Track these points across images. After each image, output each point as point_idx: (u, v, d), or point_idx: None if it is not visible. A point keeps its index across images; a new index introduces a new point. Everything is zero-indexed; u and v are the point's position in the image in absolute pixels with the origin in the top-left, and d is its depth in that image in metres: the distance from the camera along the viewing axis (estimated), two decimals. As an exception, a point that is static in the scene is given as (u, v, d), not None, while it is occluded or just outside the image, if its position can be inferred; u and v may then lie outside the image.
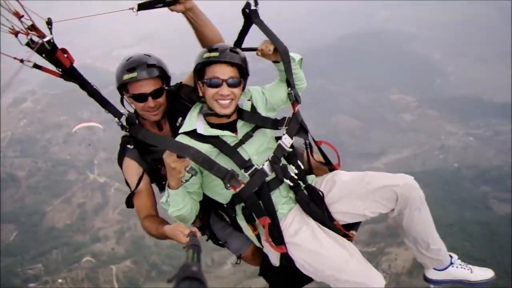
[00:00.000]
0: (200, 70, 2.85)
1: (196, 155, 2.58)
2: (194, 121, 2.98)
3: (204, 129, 2.92)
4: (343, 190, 3.02)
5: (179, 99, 3.35)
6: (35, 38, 1.97)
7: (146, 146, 3.10)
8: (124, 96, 3.18)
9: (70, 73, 2.28)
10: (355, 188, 2.99)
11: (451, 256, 3.26)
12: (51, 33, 2.05)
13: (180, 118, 3.24)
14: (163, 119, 3.31)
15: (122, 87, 3.11)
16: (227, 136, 2.93)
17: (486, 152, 74.98)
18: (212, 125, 2.96)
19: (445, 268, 3.20)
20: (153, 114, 3.16)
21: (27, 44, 1.98)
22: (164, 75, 3.18)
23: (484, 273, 3.21)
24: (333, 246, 2.81)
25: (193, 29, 3.16)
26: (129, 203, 3.23)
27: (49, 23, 2.06)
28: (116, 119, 2.63)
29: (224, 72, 2.79)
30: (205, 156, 2.63)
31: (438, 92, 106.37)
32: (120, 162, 3.31)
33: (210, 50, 2.81)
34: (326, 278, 2.79)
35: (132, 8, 2.63)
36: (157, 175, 3.32)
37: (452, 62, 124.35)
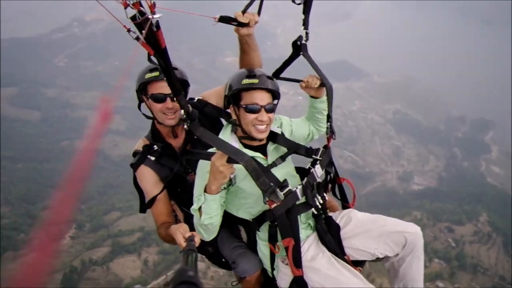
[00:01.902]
0: (236, 94, 2.87)
1: (249, 163, 2.62)
2: (227, 138, 2.97)
3: (238, 147, 2.89)
4: (358, 227, 3.08)
5: (202, 115, 3.26)
6: (139, 16, 2.07)
7: (184, 146, 3.16)
8: (143, 99, 3.20)
9: (162, 54, 2.29)
10: (370, 228, 3.07)
11: None
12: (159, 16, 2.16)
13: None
14: (179, 127, 3.30)
15: (142, 89, 3.16)
16: (259, 158, 2.95)
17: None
18: (244, 146, 2.99)
19: None
20: (170, 118, 3.16)
21: (132, 17, 2.06)
22: (183, 80, 3.23)
23: None
24: (350, 275, 2.88)
25: (242, 52, 3.26)
26: (143, 208, 3.31)
27: (153, 6, 2.14)
28: (182, 111, 2.61)
29: (263, 98, 2.85)
30: (256, 166, 2.67)
31: (269, 54, 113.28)
32: (136, 168, 3.27)
33: (249, 76, 2.86)
34: None
35: (215, 18, 2.79)
36: (176, 182, 3.29)
37: (280, 24, 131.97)
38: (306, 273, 2.91)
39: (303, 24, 3.11)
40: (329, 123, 3.19)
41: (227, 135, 3.03)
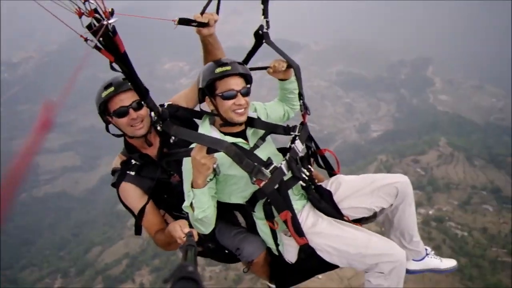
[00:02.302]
0: (210, 85, 2.94)
1: (230, 148, 2.68)
2: (208, 129, 3.06)
3: (219, 136, 3.00)
4: (349, 188, 3.23)
5: (176, 119, 3.23)
6: (95, 23, 2.09)
7: (160, 150, 3.17)
8: (108, 120, 3.14)
9: (122, 59, 2.32)
10: (361, 186, 3.21)
11: (426, 249, 3.57)
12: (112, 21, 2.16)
13: (172, 137, 3.28)
14: (151, 135, 3.26)
15: (104, 109, 3.09)
16: (241, 143, 3.02)
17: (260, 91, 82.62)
18: (225, 134, 3.05)
19: (422, 259, 3.53)
20: (138, 128, 3.12)
21: (88, 26, 2.07)
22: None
23: (450, 263, 3.59)
24: (353, 230, 3.03)
25: (206, 52, 3.27)
26: (138, 228, 3.22)
27: (111, 13, 2.15)
28: (152, 113, 2.69)
29: (237, 83, 2.92)
30: (237, 150, 2.72)
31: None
32: (117, 187, 3.23)
33: (221, 65, 2.93)
34: (352, 258, 3.00)
35: (174, 20, 2.77)
36: (160, 189, 3.26)
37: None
38: (310, 239, 3.02)
39: (263, 13, 3.17)
40: (301, 101, 3.26)
41: (206, 127, 3.10)
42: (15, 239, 67.64)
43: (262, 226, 3.18)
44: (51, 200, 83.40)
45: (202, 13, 3.02)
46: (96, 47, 2.17)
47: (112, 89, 3.01)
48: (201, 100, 3.07)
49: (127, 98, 3.06)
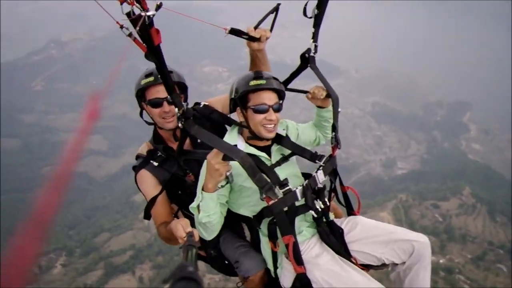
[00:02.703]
0: (243, 96, 2.94)
1: (245, 159, 2.59)
2: (234, 138, 3.08)
3: (244, 146, 3.03)
4: (364, 232, 3.11)
5: (205, 119, 3.41)
6: (137, 11, 2.10)
7: (182, 146, 3.06)
8: (143, 106, 3.26)
9: (154, 52, 2.31)
10: (377, 233, 3.10)
11: None
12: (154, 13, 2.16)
13: None
14: (180, 129, 3.15)
15: (141, 95, 3.22)
16: (263, 158, 3.02)
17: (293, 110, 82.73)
18: (250, 146, 3.06)
19: None
20: (168, 121, 3.21)
21: (128, 14, 2.07)
22: (180, 82, 3.28)
23: None
24: (355, 272, 2.89)
25: (252, 65, 3.36)
26: (148, 214, 3.31)
27: (159, 6, 2.19)
28: (176, 109, 2.61)
29: (270, 98, 2.91)
30: (252, 163, 2.63)
31: (247, 61, 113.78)
32: (136, 174, 3.35)
33: (256, 77, 2.93)
34: None
35: (226, 29, 2.84)
36: (176, 184, 3.33)
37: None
38: (309, 270, 2.93)
39: (313, 37, 3.16)
40: (334, 133, 3.19)
41: (233, 135, 3.11)
42: (29, 210, 69.47)
43: (265, 245, 3.14)
44: (72, 177, 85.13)
45: (256, 27, 3.08)
46: (130, 35, 2.23)
47: (151, 78, 3.12)
48: (231, 110, 3.10)
49: (164, 91, 3.01)
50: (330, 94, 3.12)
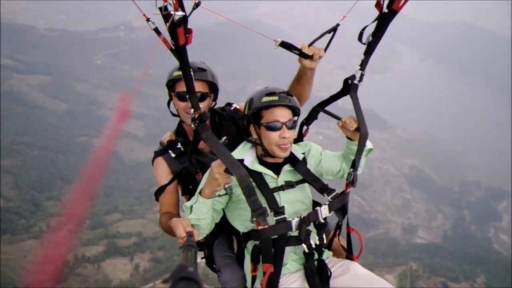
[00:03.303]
0: (256, 113, 2.86)
1: (243, 178, 2.55)
2: (245, 152, 3.01)
3: (250, 162, 2.95)
4: (352, 282, 2.91)
5: (232, 121, 3.42)
6: (170, 9, 2.15)
7: (197, 146, 3.09)
8: (172, 96, 3.32)
9: (179, 51, 2.35)
10: None
11: None
12: (188, 13, 2.21)
13: (224, 137, 3.30)
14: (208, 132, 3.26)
15: (171, 86, 3.28)
16: (268, 176, 2.94)
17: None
18: (262, 162, 2.99)
19: None
20: (189, 117, 3.09)
21: (160, 8, 2.13)
22: (212, 83, 3.30)
23: None
24: None
25: (297, 81, 3.30)
26: (156, 198, 3.43)
27: (197, 5, 2.25)
28: (192, 110, 2.63)
29: (284, 115, 2.83)
30: (250, 183, 2.60)
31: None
32: (154, 159, 3.45)
33: (268, 94, 2.84)
34: None
35: (276, 41, 2.80)
36: (188, 178, 3.37)
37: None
38: None
39: (361, 65, 3.01)
40: (352, 169, 3.01)
41: (246, 148, 3.04)
42: (56, 170, 72.24)
43: (247, 264, 3.06)
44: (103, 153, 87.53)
45: (310, 45, 3.02)
46: (155, 30, 2.30)
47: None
48: (245, 127, 3.02)
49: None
50: (360, 128, 2.95)
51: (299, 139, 3.41)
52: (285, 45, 2.90)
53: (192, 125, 2.68)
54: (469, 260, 72.84)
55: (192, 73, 2.58)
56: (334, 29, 3.03)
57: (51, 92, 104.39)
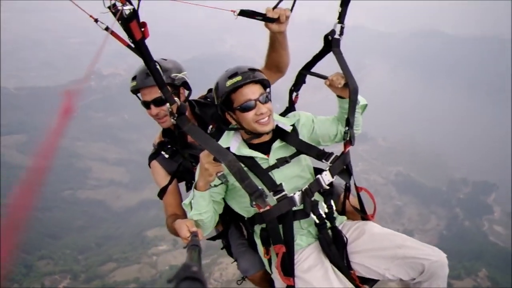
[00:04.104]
0: (226, 99, 2.76)
1: (232, 163, 2.48)
2: (229, 139, 2.92)
3: (236, 148, 2.87)
4: (370, 243, 2.86)
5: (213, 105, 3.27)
6: (118, 4, 2.08)
7: (185, 141, 3.12)
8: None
9: (137, 46, 2.26)
10: (383, 246, 2.82)
11: None
12: (136, 7, 2.12)
13: (211, 126, 3.26)
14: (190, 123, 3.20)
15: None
16: (258, 158, 2.85)
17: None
18: (250, 145, 2.90)
19: None
20: (162, 122, 3.19)
21: (109, 7, 2.06)
22: (171, 82, 3.14)
23: None
24: None
25: (271, 49, 3.15)
26: (161, 196, 3.36)
27: None
28: (168, 105, 2.54)
29: (253, 92, 2.74)
30: (240, 167, 2.52)
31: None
32: (149, 163, 3.45)
33: (231, 76, 2.74)
34: None
35: (234, 11, 2.60)
36: (187, 174, 3.33)
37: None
38: (297, 283, 2.75)
39: (339, 18, 2.84)
40: (347, 127, 2.94)
41: (228, 137, 2.97)
42: (44, 229, 70.24)
43: (260, 248, 3.01)
44: (90, 205, 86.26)
45: (274, 7, 2.81)
46: (106, 28, 2.25)
47: (134, 83, 3.15)
48: (221, 117, 2.95)
49: (150, 93, 3.13)
50: (349, 84, 2.85)
51: (290, 107, 3.34)
52: (245, 13, 2.66)
53: (172, 120, 2.60)
54: (468, 256, 73.12)
55: (158, 67, 2.50)
56: None
57: (28, 150, 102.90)
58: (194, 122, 3.24)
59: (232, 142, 2.93)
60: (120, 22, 2.09)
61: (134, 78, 3.14)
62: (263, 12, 2.81)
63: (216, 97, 2.84)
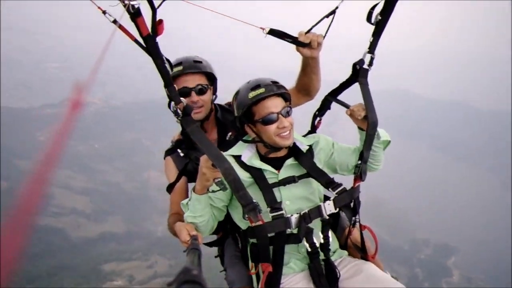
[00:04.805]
0: (247, 111, 2.70)
1: (228, 171, 2.40)
2: (243, 148, 2.86)
3: (248, 158, 2.81)
4: (364, 283, 2.71)
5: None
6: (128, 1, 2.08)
7: (191, 141, 3.03)
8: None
9: (145, 41, 2.23)
10: None
11: None
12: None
13: (230, 133, 3.27)
14: (208, 124, 3.31)
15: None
16: (268, 171, 2.78)
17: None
18: (262, 158, 2.84)
19: None
20: (195, 112, 3.09)
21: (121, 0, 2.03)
22: (210, 73, 3.21)
23: None
24: None
25: (302, 73, 3.09)
26: (169, 191, 3.35)
27: None
28: (173, 103, 2.50)
29: (276, 105, 2.68)
30: (237, 177, 2.44)
31: None
32: (164, 157, 3.45)
33: (253, 88, 2.67)
34: None
35: (263, 29, 2.57)
36: (195, 174, 3.12)
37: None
38: None
39: (369, 47, 2.79)
40: (359, 162, 2.86)
41: (243, 146, 2.90)
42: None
43: (250, 262, 2.90)
44: (48, 231, 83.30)
45: (308, 32, 2.77)
46: (115, 21, 2.21)
47: (180, 68, 3.11)
48: (240, 129, 2.87)
49: (193, 80, 3.12)
50: (368, 117, 2.77)
51: (312, 131, 3.32)
52: (274, 33, 2.63)
53: (176, 119, 2.60)
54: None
55: (168, 66, 2.49)
56: (333, 12, 2.74)
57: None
58: (213, 126, 3.34)
59: (245, 151, 2.87)
60: (129, 16, 2.11)
61: (180, 64, 3.13)
62: (295, 35, 2.78)
63: (237, 109, 2.77)
